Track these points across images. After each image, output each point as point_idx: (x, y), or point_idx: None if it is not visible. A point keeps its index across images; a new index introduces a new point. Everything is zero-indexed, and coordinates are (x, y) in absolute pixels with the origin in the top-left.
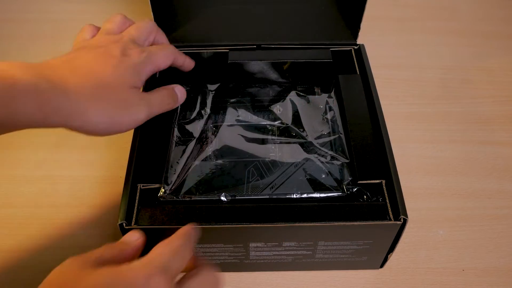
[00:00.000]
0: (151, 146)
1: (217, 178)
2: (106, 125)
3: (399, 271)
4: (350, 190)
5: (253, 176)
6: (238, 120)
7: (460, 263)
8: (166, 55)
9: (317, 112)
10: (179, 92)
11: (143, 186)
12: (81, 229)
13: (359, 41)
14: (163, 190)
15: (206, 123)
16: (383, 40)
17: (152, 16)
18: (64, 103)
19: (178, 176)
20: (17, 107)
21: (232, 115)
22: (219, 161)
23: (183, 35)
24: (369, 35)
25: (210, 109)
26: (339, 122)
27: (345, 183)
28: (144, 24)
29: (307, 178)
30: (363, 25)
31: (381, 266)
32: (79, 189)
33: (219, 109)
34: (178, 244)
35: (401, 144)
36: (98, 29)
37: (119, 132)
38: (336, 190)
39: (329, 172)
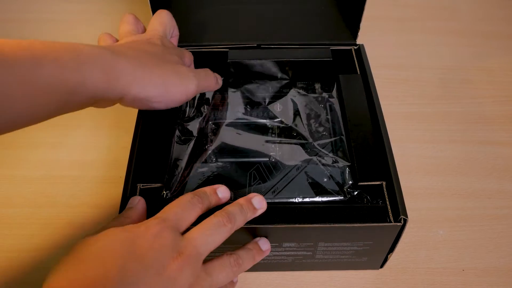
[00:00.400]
0: (151, 145)
1: (219, 181)
2: (160, 92)
3: (399, 271)
4: (351, 193)
5: (255, 180)
6: (238, 118)
7: (460, 263)
8: (190, 57)
9: (318, 112)
10: (218, 77)
11: (142, 186)
12: (81, 229)
13: (359, 41)
14: (164, 193)
15: (205, 121)
16: (383, 40)
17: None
18: (126, 69)
19: (179, 179)
20: (86, 73)
21: (232, 112)
22: (220, 163)
23: (183, 35)
24: (369, 35)
25: (210, 106)
26: (340, 122)
27: (347, 186)
28: (165, 18)
29: (309, 182)
30: (363, 25)
31: (381, 266)
32: (79, 189)
33: (218, 107)
34: (181, 200)
35: (401, 144)
36: (114, 37)
37: (171, 103)
38: (338, 194)
39: (330, 175)
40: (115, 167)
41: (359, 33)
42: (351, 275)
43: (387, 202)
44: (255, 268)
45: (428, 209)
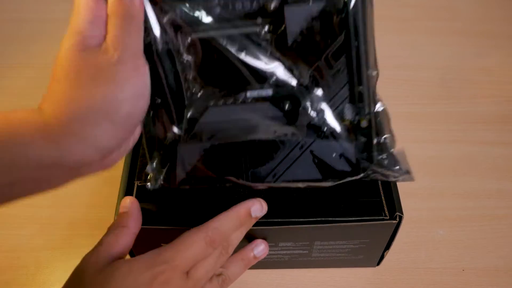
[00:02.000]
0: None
1: (212, 162)
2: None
3: (399, 271)
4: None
5: (253, 162)
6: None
7: (460, 263)
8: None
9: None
10: None
11: (139, 183)
12: (81, 229)
13: None
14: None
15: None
16: (383, 40)
17: None
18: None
19: (164, 161)
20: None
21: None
22: (208, 144)
23: None
24: None
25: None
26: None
27: (363, 161)
28: None
29: (315, 162)
30: None
31: (378, 263)
32: (79, 189)
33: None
34: (196, 245)
35: (401, 144)
36: None
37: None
38: (350, 175)
39: (341, 153)
40: (115, 167)
41: None
42: (351, 275)
43: (382, 198)
44: (252, 266)
45: (428, 209)
